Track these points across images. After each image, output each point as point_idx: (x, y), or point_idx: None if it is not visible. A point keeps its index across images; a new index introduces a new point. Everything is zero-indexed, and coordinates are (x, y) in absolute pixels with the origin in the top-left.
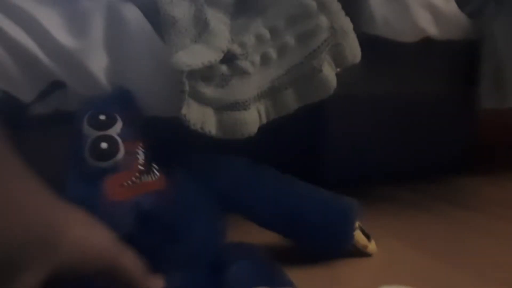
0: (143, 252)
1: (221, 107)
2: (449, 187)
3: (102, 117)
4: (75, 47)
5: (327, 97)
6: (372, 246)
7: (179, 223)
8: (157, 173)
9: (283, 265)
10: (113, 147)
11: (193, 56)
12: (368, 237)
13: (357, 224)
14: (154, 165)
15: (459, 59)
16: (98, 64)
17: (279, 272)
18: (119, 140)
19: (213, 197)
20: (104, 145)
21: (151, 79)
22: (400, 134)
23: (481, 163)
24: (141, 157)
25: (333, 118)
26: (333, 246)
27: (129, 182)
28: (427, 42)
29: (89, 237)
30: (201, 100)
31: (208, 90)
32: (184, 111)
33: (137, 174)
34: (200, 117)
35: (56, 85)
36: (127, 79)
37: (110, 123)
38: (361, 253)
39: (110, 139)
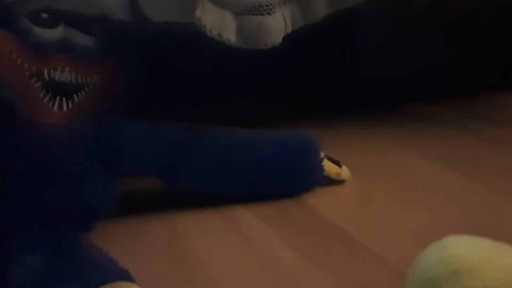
0: None
1: (242, 11)
2: (488, 105)
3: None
4: None
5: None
6: (344, 172)
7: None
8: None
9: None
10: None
11: None
12: (338, 163)
13: (322, 154)
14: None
15: None
16: None
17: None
18: None
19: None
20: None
21: None
22: (437, 46)
23: None
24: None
25: (365, 28)
26: (306, 184)
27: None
28: None
29: None
30: (218, 1)
31: None
32: (198, 13)
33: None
34: (218, 22)
35: None
36: None
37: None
38: (335, 181)
39: None
